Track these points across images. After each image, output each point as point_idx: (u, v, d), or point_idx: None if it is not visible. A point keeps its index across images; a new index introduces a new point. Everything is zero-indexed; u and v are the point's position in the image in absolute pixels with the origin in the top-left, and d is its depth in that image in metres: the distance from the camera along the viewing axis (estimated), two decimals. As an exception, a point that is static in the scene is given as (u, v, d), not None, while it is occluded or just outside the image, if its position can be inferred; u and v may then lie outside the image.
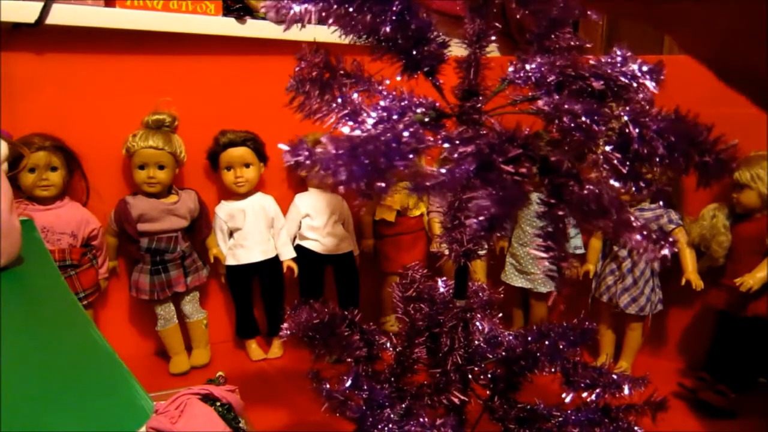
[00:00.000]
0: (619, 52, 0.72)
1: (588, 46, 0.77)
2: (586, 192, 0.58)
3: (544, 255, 0.58)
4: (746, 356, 1.41)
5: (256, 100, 1.66)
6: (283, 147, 0.56)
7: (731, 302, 1.41)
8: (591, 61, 0.72)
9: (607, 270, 1.56)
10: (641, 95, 0.69)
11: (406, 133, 0.54)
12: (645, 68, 0.70)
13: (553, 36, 0.74)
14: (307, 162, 0.53)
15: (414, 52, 0.72)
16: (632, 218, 0.60)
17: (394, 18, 0.65)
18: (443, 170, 0.56)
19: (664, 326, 1.68)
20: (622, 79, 0.68)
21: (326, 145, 0.52)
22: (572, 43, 0.74)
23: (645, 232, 0.59)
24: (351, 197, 0.56)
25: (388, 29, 0.65)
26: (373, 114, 0.61)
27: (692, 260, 1.47)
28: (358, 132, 0.55)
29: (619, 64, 0.69)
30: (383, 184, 0.52)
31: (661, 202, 1.51)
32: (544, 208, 0.61)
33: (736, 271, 1.40)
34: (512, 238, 1.70)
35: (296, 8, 0.66)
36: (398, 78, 0.74)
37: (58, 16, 1.34)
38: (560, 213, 0.60)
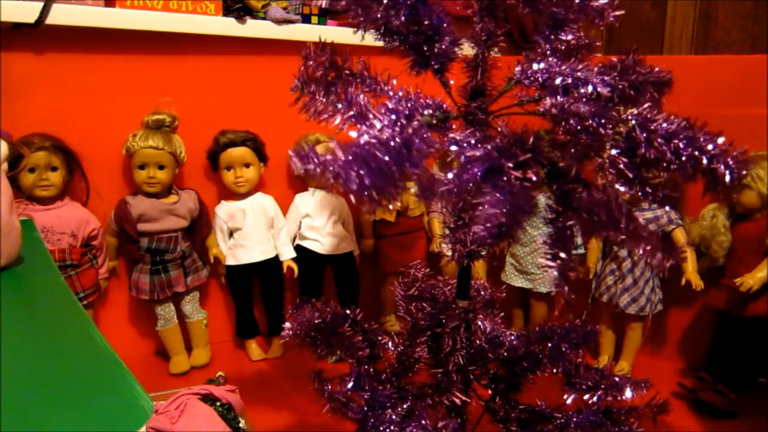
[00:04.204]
0: (627, 58, 0.71)
1: (597, 44, 0.76)
2: (594, 201, 0.58)
3: (551, 264, 0.58)
4: (746, 356, 1.41)
5: (256, 100, 1.65)
6: (292, 154, 0.55)
7: (731, 302, 1.41)
8: (599, 65, 0.72)
9: (607, 270, 1.56)
10: (648, 101, 0.69)
11: (416, 140, 0.54)
12: (652, 78, 0.70)
13: (561, 35, 0.74)
14: (318, 170, 0.53)
15: (425, 49, 0.71)
16: (641, 229, 0.60)
17: (406, 11, 0.64)
18: (451, 175, 0.55)
19: (664, 326, 1.68)
20: (630, 91, 0.67)
21: (335, 152, 0.52)
22: (580, 43, 0.73)
23: (653, 243, 0.59)
24: (359, 203, 0.55)
25: (399, 21, 0.65)
26: (381, 116, 0.61)
27: (692, 260, 1.47)
28: (366, 137, 0.54)
29: (627, 73, 0.69)
30: (393, 191, 0.52)
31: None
32: (551, 214, 0.61)
33: (736, 271, 1.40)
34: (512, 238, 1.70)
35: None
36: (408, 71, 0.74)
37: (58, 16, 1.33)
38: (569, 222, 0.60)
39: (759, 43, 1.82)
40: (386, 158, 0.51)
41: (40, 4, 1.30)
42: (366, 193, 0.50)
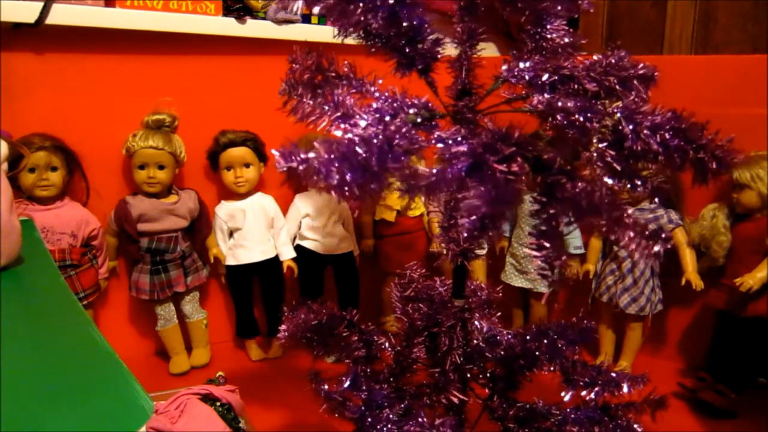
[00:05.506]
0: (612, 54, 0.71)
1: (583, 42, 0.76)
2: (578, 189, 0.58)
3: (537, 254, 0.58)
4: (746, 356, 1.41)
5: (256, 100, 1.65)
6: (276, 153, 0.56)
7: (731, 302, 1.40)
8: (585, 62, 0.72)
9: (607, 270, 1.56)
10: (634, 96, 0.69)
11: (397, 136, 0.54)
12: (638, 73, 0.70)
13: (546, 33, 0.74)
14: (301, 167, 0.53)
15: (407, 50, 0.71)
16: (625, 215, 0.60)
17: (384, 13, 0.64)
18: (434, 170, 0.56)
19: (664, 326, 1.68)
20: (616, 85, 0.68)
21: (319, 150, 0.53)
22: (566, 40, 0.74)
23: (638, 229, 0.59)
24: (346, 199, 0.56)
25: (378, 24, 0.65)
26: (366, 116, 0.61)
27: (692, 260, 1.47)
28: (350, 135, 0.55)
29: (613, 68, 0.69)
30: (375, 187, 0.52)
31: (658, 201, 1.51)
32: (537, 206, 0.61)
33: (736, 271, 1.40)
34: (512, 238, 1.70)
35: None
36: (393, 72, 0.74)
37: (58, 16, 1.34)
38: (552, 211, 0.60)
39: (759, 43, 1.82)
40: (367, 154, 0.51)
41: (40, 4, 1.31)
42: (347, 189, 0.51)
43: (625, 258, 1.53)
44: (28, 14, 1.30)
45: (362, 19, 0.64)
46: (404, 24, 0.67)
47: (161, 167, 1.47)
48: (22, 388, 0.56)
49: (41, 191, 1.36)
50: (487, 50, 0.80)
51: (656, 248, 0.58)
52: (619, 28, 2.08)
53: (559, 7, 0.65)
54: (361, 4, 0.63)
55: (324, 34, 1.67)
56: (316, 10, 0.64)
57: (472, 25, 0.73)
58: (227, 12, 1.58)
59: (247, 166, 1.58)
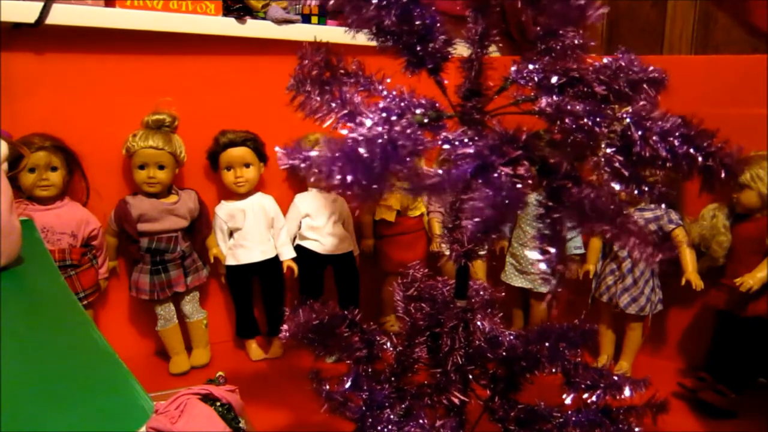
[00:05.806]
0: (622, 56, 0.71)
1: (592, 44, 0.76)
2: (583, 194, 0.58)
3: (540, 257, 0.58)
4: (746, 356, 1.41)
5: (256, 100, 1.65)
6: (279, 150, 0.56)
7: (731, 302, 1.41)
8: (594, 64, 0.72)
9: (607, 270, 1.56)
10: (643, 100, 0.69)
11: (402, 136, 0.54)
12: (648, 77, 0.70)
13: (557, 35, 0.74)
14: (303, 165, 0.53)
15: (418, 49, 0.71)
16: (630, 222, 0.60)
17: (398, 11, 0.64)
18: (440, 171, 0.56)
19: (664, 326, 1.68)
20: (625, 89, 0.67)
21: (323, 148, 0.52)
22: (576, 42, 0.73)
23: (643, 237, 0.59)
24: (348, 199, 0.55)
25: (391, 21, 0.65)
26: (372, 115, 0.61)
27: (692, 260, 1.47)
28: (355, 135, 0.55)
29: (623, 71, 0.69)
30: (377, 187, 0.52)
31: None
32: (542, 210, 0.61)
33: (736, 271, 1.40)
34: (512, 238, 1.70)
35: None
36: (403, 71, 0.74)
37: (58, 16, 1.34)
38: (557, 215, 0.60)
39: (759, 43, 1.82)
40: (368, 155, 0.51)
41: (40, 4, 1.30)
42: (348, 189, 0.50)
43: (625, 258, 1.53)
44: (28, 14, 1.30)
45: (375, 15, 0.64)
46: (417, 22, 0.67)
47: (161, 167, 1.47)
48: (22, 388, 0.56)
49: (41, 191, 1.36)
50: (491, 51, 0.80)
51: (660, 256, 0.58)
52: (619, 28, 2.08)
53: (582, 12, 0.64)
54: (374, 1, 0.63)
55: (324, 34, 1.66)
56: (330, 3, 0.64)
57: (486, 25, 0.72)
58: (227, 12, 1.58)
59: (247, 166, 1.58)
